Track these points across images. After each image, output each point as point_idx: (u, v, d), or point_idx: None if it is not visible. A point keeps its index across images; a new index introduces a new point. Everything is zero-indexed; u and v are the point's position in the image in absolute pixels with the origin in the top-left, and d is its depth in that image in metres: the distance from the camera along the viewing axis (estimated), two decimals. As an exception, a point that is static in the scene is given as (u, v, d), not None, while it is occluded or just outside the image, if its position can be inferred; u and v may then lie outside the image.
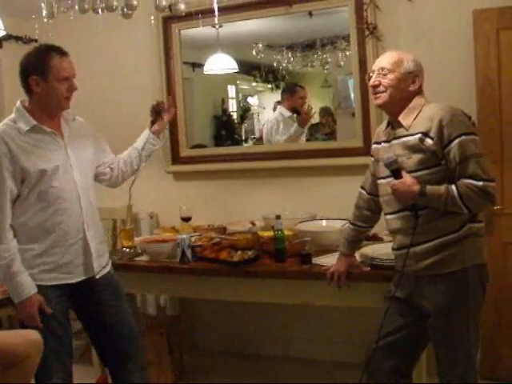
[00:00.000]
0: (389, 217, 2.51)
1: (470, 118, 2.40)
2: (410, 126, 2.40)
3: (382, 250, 2.86)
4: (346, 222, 3.26)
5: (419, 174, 2.35)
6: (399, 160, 2.38)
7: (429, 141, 2.31)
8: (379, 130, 2.65)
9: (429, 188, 2.29)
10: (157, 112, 3.03)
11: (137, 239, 3.52)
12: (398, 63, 2.41)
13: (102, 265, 2.73)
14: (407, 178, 2.33)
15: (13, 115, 2.61)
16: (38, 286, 2.54)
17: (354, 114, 3.72)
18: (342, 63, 3.81)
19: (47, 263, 2.59)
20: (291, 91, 4.08)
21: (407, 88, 2.42)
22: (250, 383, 3.62)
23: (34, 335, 2.27)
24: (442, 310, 2.37)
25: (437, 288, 2.37)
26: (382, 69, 2.43)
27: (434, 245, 2.36)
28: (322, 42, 3.85)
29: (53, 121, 2.64)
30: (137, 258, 3.37)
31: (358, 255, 2.99)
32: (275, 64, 4.04)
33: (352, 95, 3.80)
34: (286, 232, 3.17)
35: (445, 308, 2.36)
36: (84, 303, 2.76)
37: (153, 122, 3.03)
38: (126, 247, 3.41)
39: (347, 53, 3.71)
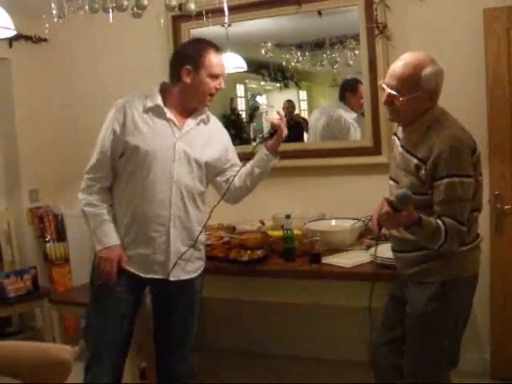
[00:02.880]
0: None
1: (474, 150, 2.26)
2: (415, 143, 2.32)
3: (390, 250, 2.85)
4: (355, 221, 3.27)
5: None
6: (400, 173, 2.37)
7: (423, 170, 2.26)
8: None
9: (424, 218, 2.19)
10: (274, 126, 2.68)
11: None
12: (414, 83, 2.23)
13: (184, 269, 2.66)
14: (411, 210, 2.19)
15: (148, 92, 2.66)
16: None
17: (362, 114, 3.71)
18: (351, 62, 3.79)
19: (127, 248, 2.63)
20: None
21: (423, 106, 2.29)
22: (257, 383, 3.62)
23: (65, 354, 2.08)
24: (417, 316, 2.37)
25: (418, 294, 2.38)
26: (395, 89, 2.26)
27: (421, 254, 2.34)
28: (331, 41, 3.83)
29: (183, 114, 2.65)
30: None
31: (368, 255, 2.99)
32: (284, 63, 4.02)
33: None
34: (296, 231, 3.17)
35: (420, 315, 2.36)
36: (157, 300, 2.78)
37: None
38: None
39: (356, 52, 3.70)
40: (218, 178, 2.83)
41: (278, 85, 4.22)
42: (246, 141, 4.33)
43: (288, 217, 3.13)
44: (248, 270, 3.09)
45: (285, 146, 3.98)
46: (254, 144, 3.99)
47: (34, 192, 4.52)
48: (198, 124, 2.69)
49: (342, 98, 3.90)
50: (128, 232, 2.62)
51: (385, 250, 2.83)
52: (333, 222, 3.44)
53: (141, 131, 2.57)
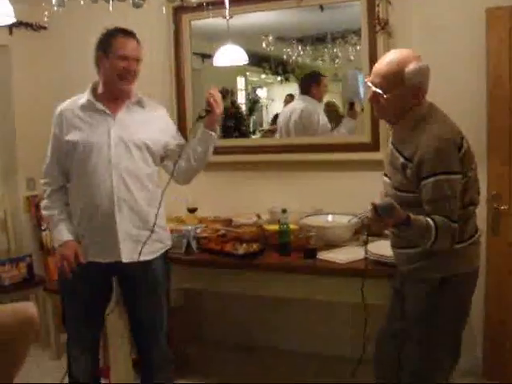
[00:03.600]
0: None
1: (460, 147, 2.23)
2: (402, 141, 2.33)
3: (387, 248, 2.85)
4: (351, 217, 3.26)
5: (398, 193, 2.33)
6: (391, 171, 2.38)
7: (408, 169, 2.26)
8: None
9: (413, 217, 2.20)
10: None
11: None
12: (397, 79, 2.24)
13: (136, 251, 2.69)
14: (398, 212, 2.20)
15: (81, 93, 2.80)
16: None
17: (362, 109, 3.70)
18: (352, 57, 3.77)
19: (83, 238, 2.73)
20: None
21: (407, 103, 2.28)
22: (251, 375, 3.64)
23: (30, 310, 2.18)
24: (415, 314, 2.39)
25: (416, 292, 2.39)
26: (380, 87, 2.27)
27: (420, 251, 2.34)
28: (333, 36, 3.82)
29: (115, 102, 2.74)
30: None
31: (363, 252, 2.99)
32: (285, 57, 4.00)
33: (361, 90, 3.79)
34: (292, 226, 3.17)
35: (418, 312, 2.37)
36: (122, 286, 2.86)
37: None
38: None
39: (358, 47, 3.68)
40: (165, 162, 2.89)
41: (279, 78, 4.20)
42: (246, 134, 4.32)
43: (284, 211, 3.13)
44: (243, 263, 3.09)
45: (283, 141, 4.03)
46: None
47: (32, 180, 4.50)
48: (131, 109, 2.77)
49: (307, 90, 3.98)
50: (80, 224, 2.73)
51: (381, 247, 2.84)
52: (329, 218, 3.44)
53: (77, 128, 2.71)
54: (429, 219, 2.19)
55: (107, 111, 2.72)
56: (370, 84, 2.32)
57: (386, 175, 2.51)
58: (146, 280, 2.77)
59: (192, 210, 3.70)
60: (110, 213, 2.66)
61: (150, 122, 2.79)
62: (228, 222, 3.65)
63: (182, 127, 3.88)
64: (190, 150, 2.83)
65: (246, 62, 4.10)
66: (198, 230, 3.37)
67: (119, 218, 2.66)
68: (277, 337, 4.01)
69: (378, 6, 3.41)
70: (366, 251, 2.60)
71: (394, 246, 2.53)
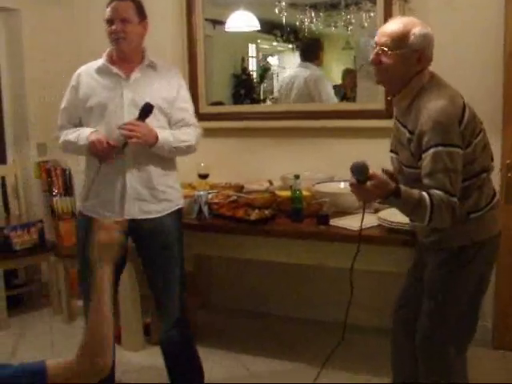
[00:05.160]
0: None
1: (462, 119, 2.17)
2: (404, 112, 2.30)
3: (400, 215, 2.84)
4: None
5: (407, 170, 2.31)
6: (397, 145, 2.36)
7: (412, 144, 2.22)
8: None
9: (403, 190, 2.15)
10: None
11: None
12: (402, 39, 2.20)
13: (144, 209, 2.74)
14: (382, 180, 2.18)
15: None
16: (86, 217, 2.73)
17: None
18: (365, 24, 3.73)
19: (94, 197, 2.77)
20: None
21: (410, 68, 2.24)
22: (261, 342, 3.67)
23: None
24: (430, 282, 2.38)
25: (433, 260, 2.38)
26: (385, 44, 2.21)
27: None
28: (347, 2, 3.77)
29: (127, 65, 2.78)
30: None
31: (376, 218, 2.99)
32: (298, 23, 3.96)
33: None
34: (304, 192, 3.17)
35: (433, 280, 2.37)
36: (136, 246, 2.87)
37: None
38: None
39: (371, 14, 3.64)
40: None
41: (290, 46, 4.17)
42: (257, 101, 4.30)
43: (297, 177, 3.12)
44: (255, 229, 3.09)
45: (296, 107, 4.01)
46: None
47: (43, 146, 4.49)
48: (144, 71, 2.80)
49: (314, 57, 4.00)
50: (93, 183, 2.75)
51: (394, 214, 2.83)
52: (341, 185, 3.41)
53: (93, 90, 2.77)
54: (424, 193, 2.13)
55: (120, 74, 2.76)
56: (374, 45, 2.28)
57: (392, 151, 2.47)
58: (157, 236, 2.79)
59: (203, 176, 3.70)
60: (121, 172, 2.71)
61: (162, 84, 2.81)
62: (239, 188, 3.64)
63: (194, 93, 3.86)
64: None
65: (258, 29, 4.07)
66: (210, 196, 3.36)
67: (128, 176, 2.71)
68: (288, 304, 4.03)
69: (394, -30, 3.35)
70: (362, 220, 2.47)
71: (412, 220, 2.50)
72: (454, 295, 2.35)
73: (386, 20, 3.37)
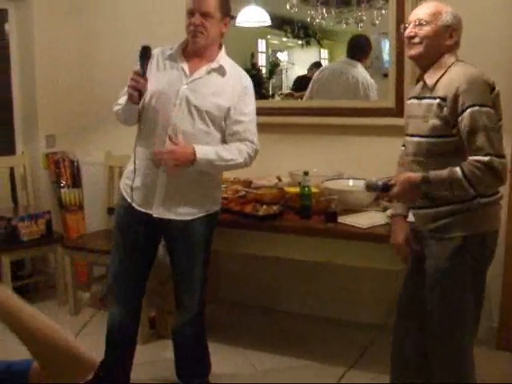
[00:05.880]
0: None
1: (493, 89, 2.28)
2: (433, 86, 2.34)
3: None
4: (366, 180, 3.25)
5: (432, 140, 2.31)
6: (416, 123, 2.39)
7: (445, 108, 2.26)
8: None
9: (432, 173, 2.24)
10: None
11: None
12: (435, 15, 2.33)
13: (169, 209, 2.69)
14: (402, 177, 2.32)
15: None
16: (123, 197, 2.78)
17: (385, 75, 3.66)
18: (376, 22, 3.72)
19: (131, 179, 2.74)
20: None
21: (443, 42, 2.35)
22: (268, 338, 3.67)
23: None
24: (439, 273, 2.37)
25: (439, 250, 2.37)
26: (419, 20, 2.35)
27: (443, 210, 2.34)
28: (358, -1, 3.77)
29: (197, 61, 2.71)
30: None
31: (384, 216, 2.98)
32: (308, 19, 3.95)
33: (384, 55, 3.74)
34: (313, 189, 3.17)
35: (442, 271, 2.36)
36: (164, 238, 2.87)
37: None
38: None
39: (383, 11, 3.63)
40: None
41: (300, 42, 4.16)
42: (265, 96, 4.30)
43: (306, 174, 3.12)
44: (263, 225, 3.09)
45: (305, 103, 4.00)
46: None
47: (51, 137, 4.51)
48: (209, 73, 2.70)
49: (363, 56, 3.89)
50: (133, 164, 2.72)
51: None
52: (350, 182, 3.42)
53: (155, 74, 2.68)
54: (454, 167, 2.19)
55: (185, 69, 2.68)
56: (408, 23, 2.40)
57: (409, 135, 2.49)
58: (184, 238, 2.77)
59: (212, 171, 3.69)
60: (155, 170, 2.67)
61: (224, 91, 2.70)
62: (248, 183, 3.64)
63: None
64: None
65: (269, 24, 4.06)
66: (219, 191, 3.36)
67: (162, 174, 2.66)
68: (296, 300, 4.03)
69: (408, -33, 3.34)
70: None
71: (414, 207, 2.51)
72: (459, 289, 2.35)
73: (398, 17, 3.42)
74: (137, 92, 2.55)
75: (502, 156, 2.19)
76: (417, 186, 2.26)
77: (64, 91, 4.50)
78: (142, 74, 2.57)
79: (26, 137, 4.54)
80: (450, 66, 2.34)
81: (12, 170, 4.35)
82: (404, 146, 2.63)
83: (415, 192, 2.31)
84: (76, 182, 4.49)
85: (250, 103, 2.79)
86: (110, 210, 3.85)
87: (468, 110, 2.19)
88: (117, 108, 2.76)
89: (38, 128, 4.47)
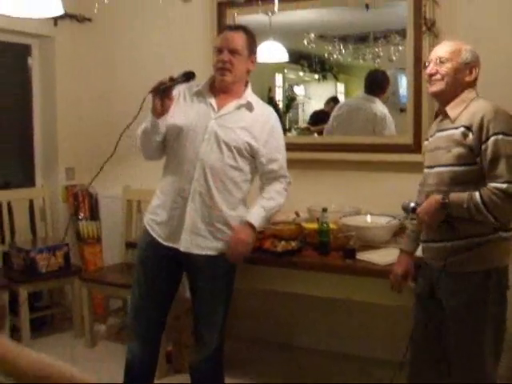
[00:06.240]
0: None
1: None
2: (455, 118, 2.39)
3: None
4: (390, 218, 3.25)
5: (455, 169, 2.34)
6: (439, 153, 2.42)
7: (470, 136, 2.30)
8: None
9: (452, 195, 2.29)
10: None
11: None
12: (455, 52, 2.41)
13: (196, 243, 2.71)
14: (430, 197, 2.38)
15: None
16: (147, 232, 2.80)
17: (401, 110, 3.68)
18: (393, 58, 3.75)
19: (156, 214, 2.78)
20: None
21: (463, 78, 2.42)
22: (286, 375, 3.65)
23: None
24: (458, 308, 2.36)
25: (460, 285, 2.36)
26: (440, 58, 2.43)
27: (463, 244, 2.34)
28: (376, 36, 3.80)
29: (225, 97, 2.76)
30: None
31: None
32: (326, 55, 3.99)
33: (400, 91, 3.76)
34: (331, 225, 3.16)
35: (461, 307, 2.35)
36: (186, 272, 2.88)
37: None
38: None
39: (400, 48, 3.66)
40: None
41: (316, 76, 4.19)
42: (283, 131, 4.32)
43: (325, 210, 3.12)
44: (282, 261, 3.09)
45: (323, 139, 4.02)
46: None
47: (71, 170, 4.57)
48: (238, 109, 2.74)
49: (380, 92, 3.88)
50: (159, 199, 2.78)
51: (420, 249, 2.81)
52: (368, 218, 3.42)
53: (183, 109, 2.73)
54: (474, 192, 2.24)
55: (213, 104, 2.73)
56: (429, 61, 2.48)
57: (429, 167, 2.52)
58: (208, 273, 2.77)
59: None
60: (183, 201, 2.69)
61: (253, 127, 2.75)
62: (266, 219, 3.65)
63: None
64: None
65: (286, 60, 4.11)
66: (237, 226, 3.36)
67: (190, 207, 2.68)
68: (313, 336, 4.00)
69: (425, 6, 3.38)
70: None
71: (426, 241, 2.52)
72: (483, 324, 2.33)
73: (415, 53, 3.46)
74: (162, 93, 2.61)
75: None
76: (440, 204, 2.30)
77: (84, 124, 4.57)
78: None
79: (45, 169, 4.60)
80: (471, 101, 2.40)
81: (31, 202, 4.40)
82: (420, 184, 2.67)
83: (438, 212, 2.32)
84: (94, 214, 4.53)
85: (280, 138, 2.88)
86: (130, 245, 3.87)
87: (492, 138, 2.25)
88: (139, 132, 2.79)
89: (58, 161, 4.53)
